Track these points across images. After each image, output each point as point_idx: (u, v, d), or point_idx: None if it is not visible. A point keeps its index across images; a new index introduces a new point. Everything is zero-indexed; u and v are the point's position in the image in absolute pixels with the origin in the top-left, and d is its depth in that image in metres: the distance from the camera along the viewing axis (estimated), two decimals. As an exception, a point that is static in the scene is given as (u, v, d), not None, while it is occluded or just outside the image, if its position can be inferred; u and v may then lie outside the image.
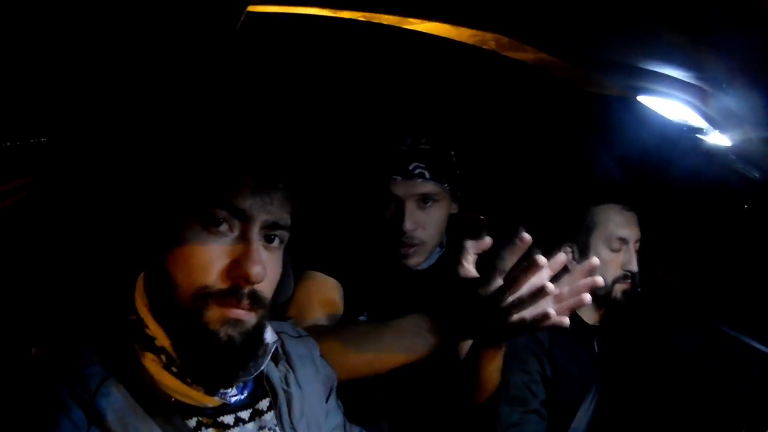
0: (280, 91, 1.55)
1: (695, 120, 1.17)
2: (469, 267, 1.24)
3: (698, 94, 1.06)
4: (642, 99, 1.22)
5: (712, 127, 1.15)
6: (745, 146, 1.16)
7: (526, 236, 1.17)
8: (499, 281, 1.18)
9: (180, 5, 0.98)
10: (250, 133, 0.97)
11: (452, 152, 1.66)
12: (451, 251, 1.75)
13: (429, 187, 1.59)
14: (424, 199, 1.59)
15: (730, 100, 1.02)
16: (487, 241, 1.23)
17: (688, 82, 1.04)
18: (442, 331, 1.26)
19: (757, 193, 1.38)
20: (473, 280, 1.22)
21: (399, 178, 1.57)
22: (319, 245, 1.65)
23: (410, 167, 1.57)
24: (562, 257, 1.18)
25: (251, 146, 0.97)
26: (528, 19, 1.12)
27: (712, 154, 1.29)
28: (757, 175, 1.27)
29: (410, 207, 1.58)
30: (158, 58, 1.08)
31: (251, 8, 1.29)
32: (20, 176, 1.14)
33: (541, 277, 1.15)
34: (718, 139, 1.20)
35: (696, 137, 1.25)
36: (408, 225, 1.57)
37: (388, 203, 1.60)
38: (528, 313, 1.15)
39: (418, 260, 1.65)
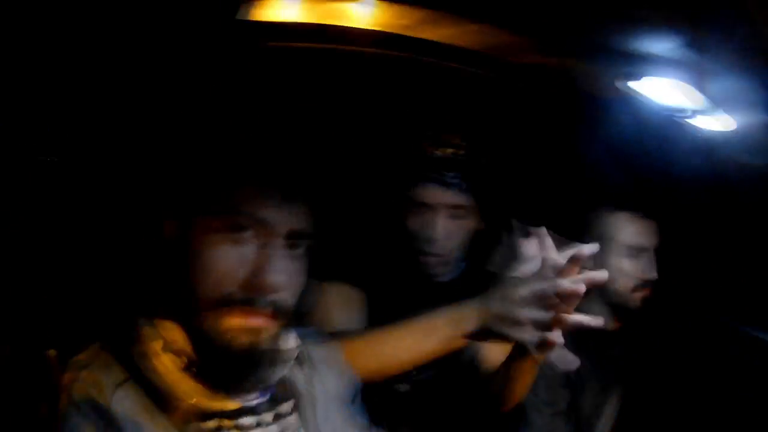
0: (305, 100, 1.58)
1: (691, 101, 1.15)
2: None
3: (694, 74, 1.05)
4: (634, 84, 1.20)
5: (710, 109, 1.13)
6: (747, 131, 1.15)
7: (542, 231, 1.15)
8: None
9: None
10: (274, 142, 0.98)
11: (486, 166, 1.67)
12: (476, 265, 1.76)
13: (462, 199, 1.59)
14: (456, 210, 1.59)
15: (729, 81, 1.01)
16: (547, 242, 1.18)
17: (682, 62, 1.04)
18: (462, 330, 1.23)
19: (762, 182, 1.36)
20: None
21: (435, 185, 1.57)
22: (343, 256, 1.65)
23: (447, 175, 1.57)
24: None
25: (275, 156, 0.97)
26: (517, 6, 1.12)
27: (714, 144, 1.27)
28: (762, 162, 1.25)
29: (442, 216, 1.57)
30: (180, 67, 1.10)
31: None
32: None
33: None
34: (717, 123, 1.18)
35: (695, 127, 1.23)
36: (438, 233, 1.56)
37: (419, 210, 1.59)
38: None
39: (441, 270, 1.64)
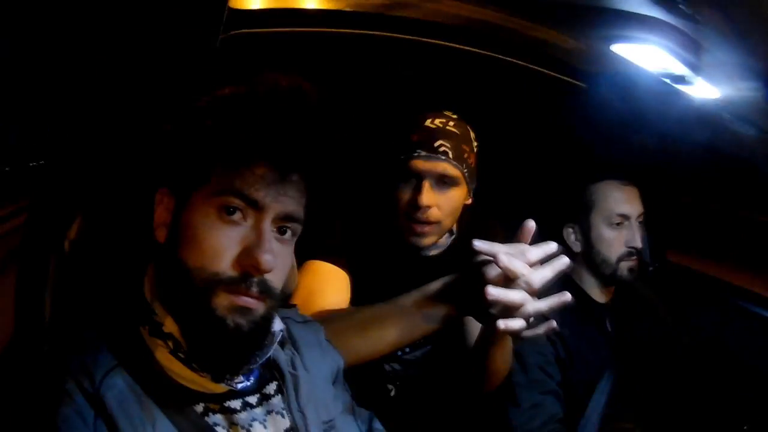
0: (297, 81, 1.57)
1: (676, 67, 1.14)
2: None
3: (679, 39, 1.04)
4: (616, 48, 1.19)
5: (695, 75, 1.12)
6: (735, 99, 1.14)
7: (531, 224, 1.17)
8: None
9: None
10: (268, 123, 0.96)
11: (476, 143, 1.68)
12: (462, 240, 1.76)
13: (449, 168, 1.60)
14: (443, 180, 1.60)
15: (717, 47, 1.00)
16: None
17: (667, 24, 1.02)
18: (447, 308, 1.26)
19: (751, 151, 1.36)
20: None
21: (423, 153, 1.58)
22: (327, 235, 1.65)
23: (435, 144, 1.58)
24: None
25: (268, 136, 0.95)
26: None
27: (702, 112, 1.26)
28: (751, 132, 1.24)
29: (428, 184, 1.59)
30: (168, 50, 1.09)
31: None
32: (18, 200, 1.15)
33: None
34: (705, 91, 1.17)
35: (683, 94, 1.22)
36: (424, 200, 1.57)
37: (406, 178, 1.61)
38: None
39: (428, 241, 1.65)
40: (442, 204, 1.61)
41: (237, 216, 0.92)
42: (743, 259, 1.91)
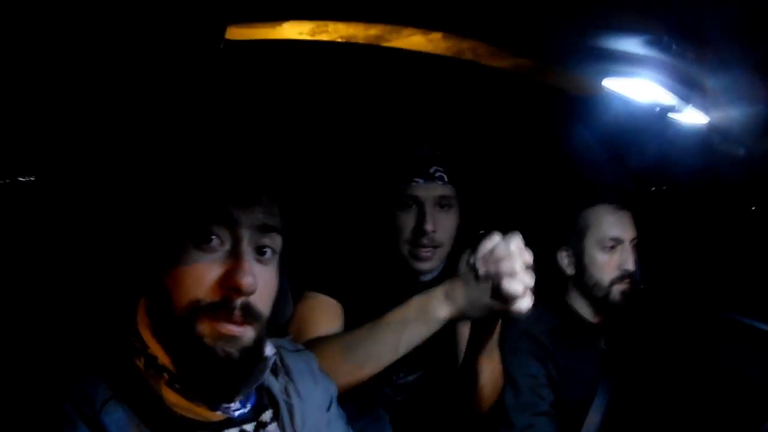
0: (266, 106, 1.58)
1: (665, 98, 1.17)
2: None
3: (666, 70, 1.07)
4: (608, 82, 1.22)
5: (684, 103, 1.15)
6: (724, 123, 1.16)
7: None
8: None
9: (162, 29, 1.00)
10: (233, 147, 0.98)
11: (464, 161, 1.72)
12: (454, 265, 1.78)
13: (447, 190, 1.65)
14: (442, 202, 1.65)
15: (703, 75, 1.03)
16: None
17: (654, 58, 1.05)
18: (433, 315, 1.30)
19: (741, 170, 1.38)
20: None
21: (420, 180, 1.62)
22: (319, 265, 1.67)
23: (431, 170, 1.63)
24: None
25: (234, 160, 0.98)
26: (492, 16, 1.14)
27: (691, 135, 1.29)
28: (741, 152, 1.27)
29: (430, 208, 1.63)
30: (141, 77, 1.10)
31: (230, 36, 1.33)
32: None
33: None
34: (694, 117, 1.20)
35: (671, 120, 1.25)
36: (429, 226, 1.61)
37: (406, 206, 1.65)
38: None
39: (432, 264, 1.68)
40: (445, 225, 1.65)
41: (214, 242, 0.93)
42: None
